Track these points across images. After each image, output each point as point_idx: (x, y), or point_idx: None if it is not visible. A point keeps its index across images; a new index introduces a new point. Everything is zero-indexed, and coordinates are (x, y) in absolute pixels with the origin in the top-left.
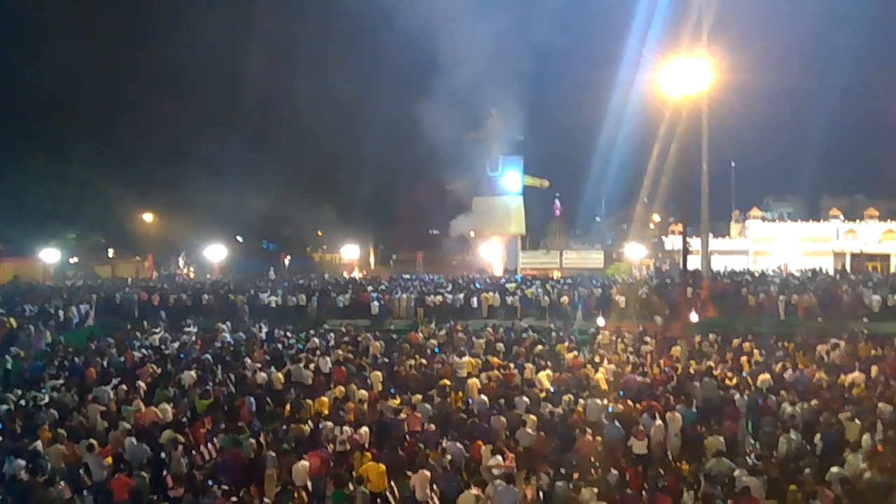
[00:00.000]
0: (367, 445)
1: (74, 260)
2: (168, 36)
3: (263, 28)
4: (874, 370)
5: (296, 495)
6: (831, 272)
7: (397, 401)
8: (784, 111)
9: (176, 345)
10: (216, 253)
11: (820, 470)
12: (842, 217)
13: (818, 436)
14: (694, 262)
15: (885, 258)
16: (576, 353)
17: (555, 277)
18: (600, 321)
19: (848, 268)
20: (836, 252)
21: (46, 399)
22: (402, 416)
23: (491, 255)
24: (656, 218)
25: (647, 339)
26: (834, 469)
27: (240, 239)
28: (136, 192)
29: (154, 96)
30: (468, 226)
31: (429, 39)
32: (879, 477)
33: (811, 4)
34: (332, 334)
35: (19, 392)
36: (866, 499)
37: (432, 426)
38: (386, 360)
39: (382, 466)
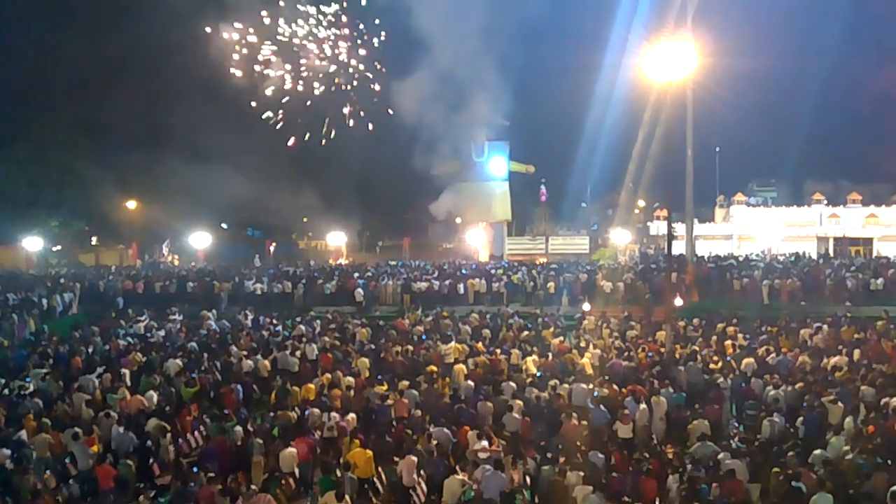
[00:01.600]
0: (354, 432)
1: (57, 248)
2: (152, 20)
3: (242, 8)
4: (857, 353)
5: (283, 482)
6: (815, 256)
7: (384, 387)
8: (768, 96)
9: (161, 333)
10: (201, 240)
11: (803, 452)
12: (825, 202)
13: (801, 419)
14: (679, 247)
15: (868, 242)
16: (562, 338)
17: (539, 263)
18: (586, 306)
19: (831, 252)
20: (820, 236)
21: (31, 388)
22: (389, 402)
23: (477, 241)
24: (641, 203)
25: (633, 323)
26: (817, 451)
27: (224, 226)
28: (120, 178)
29: (136, 80)
30: (450, 204)
31: (414, 23)
32: (861, 459)
33: None
34: (318, 321)
35: (3, 381)
36: (849, 481)
37: (419, 412)
38: (372, 346)
39: (370, 452)
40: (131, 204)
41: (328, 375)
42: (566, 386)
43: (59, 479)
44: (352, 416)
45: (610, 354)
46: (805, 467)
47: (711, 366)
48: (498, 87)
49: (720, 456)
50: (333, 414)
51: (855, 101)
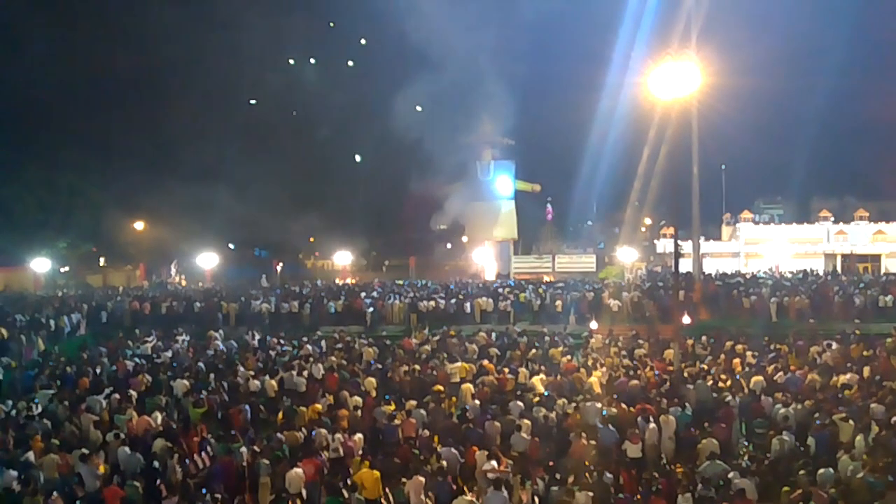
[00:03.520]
0: (361, 452)
1: (65, 269)
2: (158, 41)
3: (253, 32)
4: (866, 371)
5: (290, 503)
6: (822, 274)
7: (391, 407)
8: (773, 113)
9: (168, 353)
10: (208, 260)
11: (814, 471)
12: (832, 219)
13: (811, 437)
14: (685, 265)
15: (876, 259)
16: (569, 357)
17: (546, 281)
18: (593, 324)
19: (839, 269)
20: (827, 254)
21: (39, 409)
22: (397, 422)
23: (483, 259)
24: (648, 221)
25: (641, 342)
26: (821, 471)
27: (231, 246)
28: (127, 200)
29: (144, 103)
30: (454, 214)
31: (419, 45)
32: (873, 477)
33: (799, 8)
34: (324, 341)
35: (10, 402)
36: (860, 500)
37: (427, 432)
38: (379, 366)
39: (377, 473)
40: (139, 225)
41: (331, 396)
42: (574, 405)
43: (67, 500)
44: (359, 436)
45: (618, 373)
46: (815, 486)
47: (720, 384)
48: (503, 107)
49: (730, 475)
50: (338, 435)
51: (860, 118)
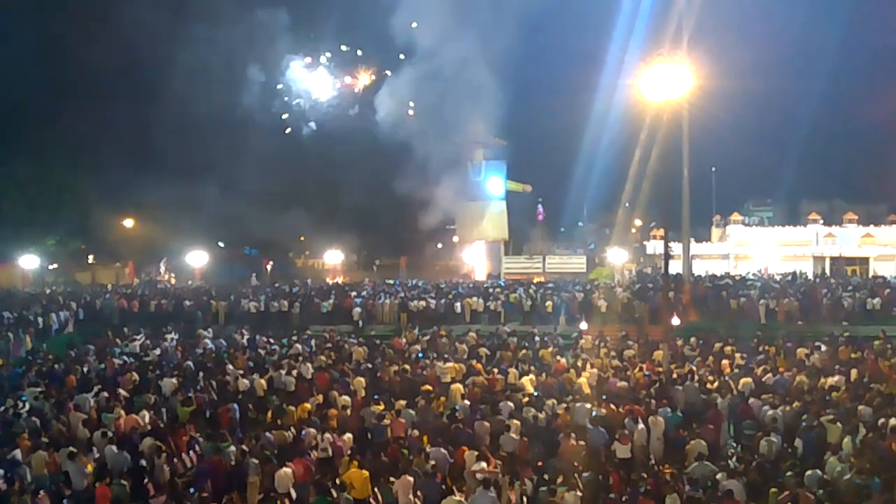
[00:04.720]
0: (350, 452)
1: (54, 266)
2: (148, 37)
3: (240, 27)
4: (854, 373)
5: (278, 503)
6: (811, 276)
7: (381, 407)
8: (764, 117)
9: (157, 351)
10: (198, 258)
11: (801, 472)
12: (821, 221)
13: (799, 439)
14: (675, 267)
15: (864, 262)
16: (559, 357)
17: (536, 282)
18: (583, 325)
19: (828, 272)
20: (816, 256)
21: (26, 407)
22: (386, 421)
23: (474, 259)
24: (638, 222)
25: (630, 343)
26: (809, 472)
27: (221, 244)
28: (117, 197)
29: (134, 99)
30: (442, 216)
31: (412, 44)
32: (860, 479)
33: (790, 12)
34: (314, 340)
35: None
36: (847, 501)
37: (416, 432)
38: (369, 365)
39: (366, 473)
40: (128, 222)
41: (321, 395)
42: (563, 405)
43: (54, 498)
44: (348, 435)
45: (607, 374)
46: (803, 487)
47: (708, 385)
48: (495, 107)
49: (718, 476)
50: (327, 435)
51: (850, 121)
